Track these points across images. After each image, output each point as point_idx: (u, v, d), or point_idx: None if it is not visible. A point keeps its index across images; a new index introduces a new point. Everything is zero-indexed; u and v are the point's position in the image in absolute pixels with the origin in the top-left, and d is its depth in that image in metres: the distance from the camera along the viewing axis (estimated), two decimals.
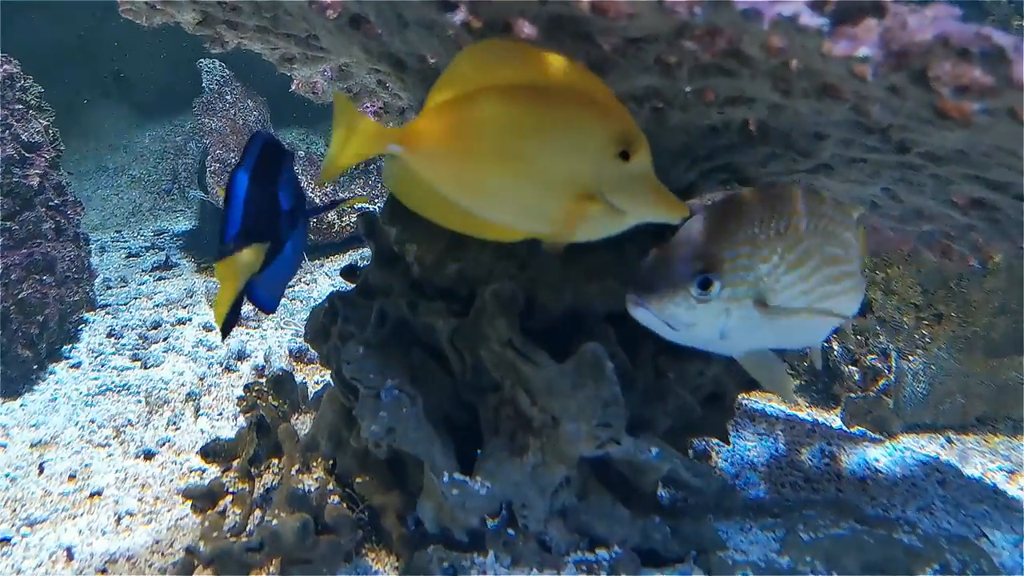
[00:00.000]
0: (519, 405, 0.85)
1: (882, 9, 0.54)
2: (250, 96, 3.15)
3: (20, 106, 2.00)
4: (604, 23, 0.63)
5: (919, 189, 0.82)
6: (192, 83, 3.14)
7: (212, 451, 1.08)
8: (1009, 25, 1.54)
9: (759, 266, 0.71)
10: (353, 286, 1.04)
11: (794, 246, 0.72)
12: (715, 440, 1.14)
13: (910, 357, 1.27)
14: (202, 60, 3.12)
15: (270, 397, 1.14)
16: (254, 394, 1.14)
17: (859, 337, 1.30)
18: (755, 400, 1.43)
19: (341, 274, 1.11)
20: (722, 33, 0.62)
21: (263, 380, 1.25)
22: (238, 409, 1.42)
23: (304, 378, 1.70)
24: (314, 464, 1.01)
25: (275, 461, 1.08)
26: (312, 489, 0.96)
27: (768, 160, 0.85)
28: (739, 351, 0.77)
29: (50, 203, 1.99)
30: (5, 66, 2.04)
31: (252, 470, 1.03)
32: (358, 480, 0.97)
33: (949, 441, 1.30)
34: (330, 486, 0.98)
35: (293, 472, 0.99)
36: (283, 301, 2.25)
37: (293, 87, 1.30)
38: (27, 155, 1.93)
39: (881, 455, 1.21)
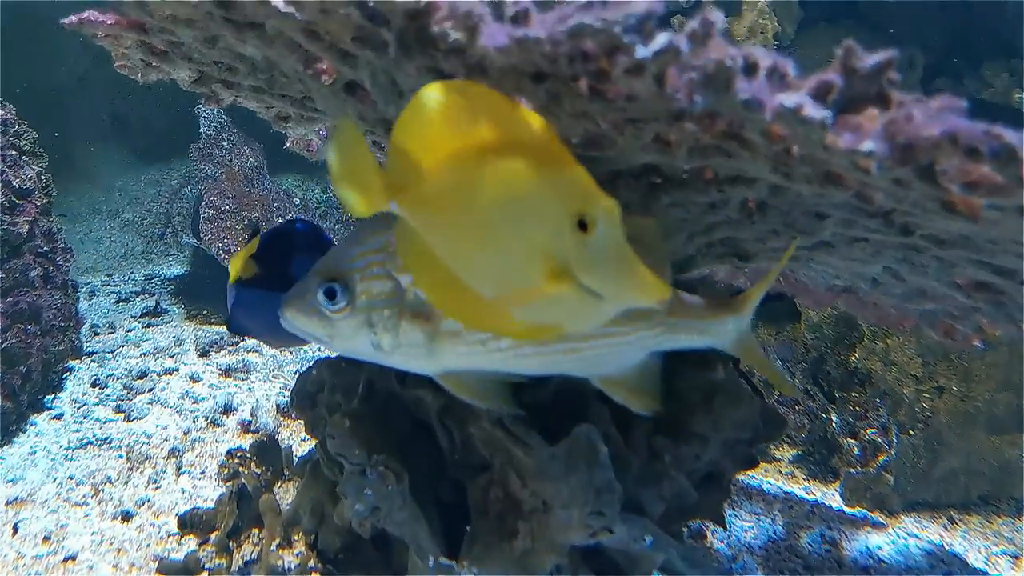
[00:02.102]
0: (509, 487, 0.82)
1: (886, 100, 0.52)
2: (247, 142, 3.15)
3: (13, 152, 1.98)
4: (602, 104, 0.61)
5: (922, 270, 0.81)
6: (189, 128, 3.15)
7: (190, 521, 1.04)
8: (1010, 97, 1.55)
9: (399, 276, 0.63)
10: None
11: None
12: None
13: (911, 431, 1.24)
14: (200, 106, 3.13)
15: (252, 464, 1.11)
16: (236, 461, 1.11)
17: (858, 409, 1.28)
18: (751, 476, 1.39)
19: None
20: (723, 116, 0.61)
21: (247, 443, 1.22)
22: (220, 474, 1.38)
23: (290, 435, 1.66)
24: (296, 538, 0.97)
25: (256, 531, 1.04)
26: (292, 566, 0.93)
27: (768, 236, 0.84)
28: (433, 369, 0.68)
29: (39, 250, 1.96)
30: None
31: (230, 543, 0.99)
32: (340, 557, 0.93)
33: (952, 521, 1.26)
34: (311, 563, 0.94)
35: (273, 547, 0.95)
36: (272, 352, 2.22)
37: (288, 144, 1.29)
38: (17, 202, 1.91)
39: (884, 542, 1.17)
